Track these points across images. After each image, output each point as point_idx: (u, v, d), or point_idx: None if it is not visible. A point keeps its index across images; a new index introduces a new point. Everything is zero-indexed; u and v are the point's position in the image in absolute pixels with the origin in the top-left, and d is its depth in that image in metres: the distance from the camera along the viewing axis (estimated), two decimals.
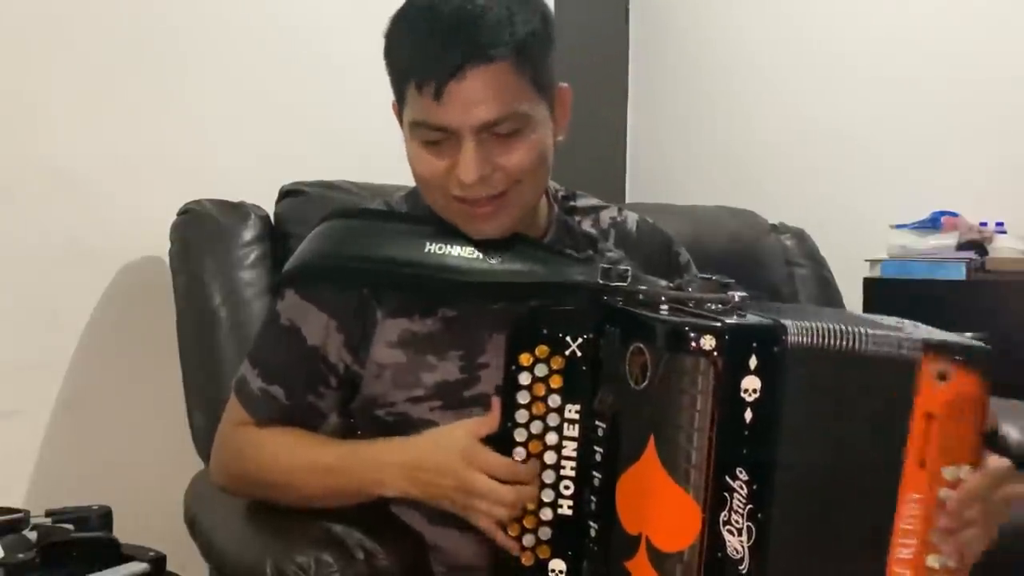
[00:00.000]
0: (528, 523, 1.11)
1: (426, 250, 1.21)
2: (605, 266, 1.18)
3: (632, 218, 1.40)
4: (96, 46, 1.81)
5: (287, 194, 1.76)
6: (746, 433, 0.95)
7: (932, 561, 1.00)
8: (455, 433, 1.15)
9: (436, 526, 1.24)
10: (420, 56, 1.14)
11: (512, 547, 1.11)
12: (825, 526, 1.01)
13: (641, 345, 0.99)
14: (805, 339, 0.98)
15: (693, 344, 0.95)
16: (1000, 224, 2.45)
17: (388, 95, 1.21)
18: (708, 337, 0.95)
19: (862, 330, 0.99)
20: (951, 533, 1.01)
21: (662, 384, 0.97)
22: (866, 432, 1.01)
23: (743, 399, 0.95)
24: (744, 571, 0.95)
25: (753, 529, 0.95)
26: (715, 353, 0.94)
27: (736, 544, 0.95)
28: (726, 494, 0.95)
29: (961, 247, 2.39)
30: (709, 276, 1.11)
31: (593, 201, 1.40)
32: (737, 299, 1.03)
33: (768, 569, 0.97)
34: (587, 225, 1.36)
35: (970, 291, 2.31)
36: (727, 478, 0.95)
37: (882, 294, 2.39)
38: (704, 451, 0.95)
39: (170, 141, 1.89)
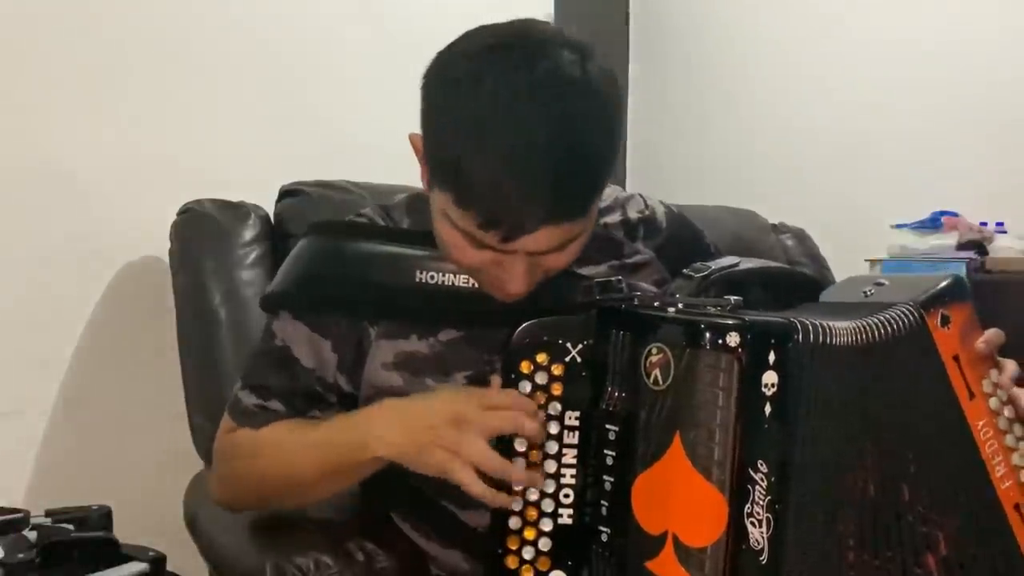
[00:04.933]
0: (528, 535, 1.08)
1: (417, 280, 1.17)
2: (600, 280, 1.14)
3: (660, 211, 1.35)
4: (96, 46, 1.80)
5: (287, 194, 1.76)
6: (766, 426, 0.98)
7: (1018, 460, 1.10)
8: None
9: (432, 541, 1.23)
10: (491, 206, 1.04)
11: (506, 502, 1.06)
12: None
13: (661, 345, 1.01)
14: (816, 337, 1.01)
15: (719, 341, 0.97)
16: (1000, 224, 2.45)
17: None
18: (733, 334, 0.97)
19: (870, 322, 1.05)
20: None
21: (686, 382, 0.99)
22: (918, 399, 1.08)
23: (763, 393, 0.98)
24: (764, 561, 0.97)
25: (772, 520, 0.97)
26: (740, 349, 0.97)
27: (757, 535, 0.97)
28: (749, 486, 0.97)
29: (961, 247, 2.39)
30: (690, 276, 1.15)
31: (613, 194, 1.33)
32: (733, 301, 1.05)
33: (786, 556, 0.99)
34: (615, 218, 1.31)
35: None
36: (750, 470, 0.97)
37: None
38: (729, 445, 0.97)
39: (170, 141, 1.89)
